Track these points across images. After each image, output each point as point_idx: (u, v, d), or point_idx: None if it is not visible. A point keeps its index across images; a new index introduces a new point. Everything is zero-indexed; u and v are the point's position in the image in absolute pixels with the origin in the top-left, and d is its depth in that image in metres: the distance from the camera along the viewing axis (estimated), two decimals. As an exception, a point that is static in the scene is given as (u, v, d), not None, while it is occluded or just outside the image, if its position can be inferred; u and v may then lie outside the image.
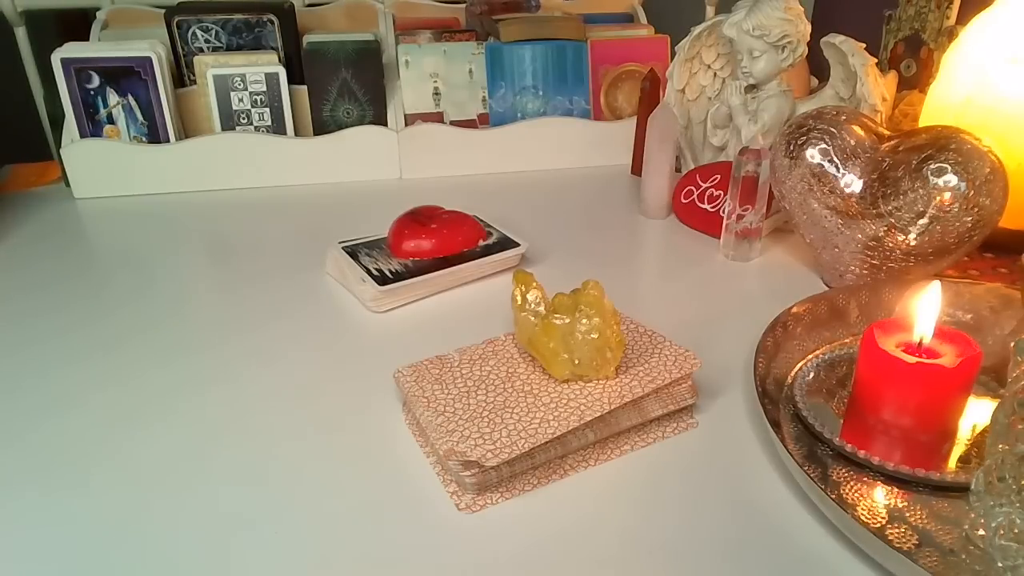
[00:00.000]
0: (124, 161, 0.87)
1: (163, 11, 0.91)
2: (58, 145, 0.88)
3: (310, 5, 1.05)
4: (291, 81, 0.91)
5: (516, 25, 0.96)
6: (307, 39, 0.94)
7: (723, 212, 0.73)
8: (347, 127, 0.93)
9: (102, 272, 0.71)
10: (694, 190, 0.80)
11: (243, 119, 0.90)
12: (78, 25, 0.99)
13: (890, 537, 0.39)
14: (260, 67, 0.89)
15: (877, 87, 0.73)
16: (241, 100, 0.90)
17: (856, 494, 0.42)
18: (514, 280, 0.51)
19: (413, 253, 0.67)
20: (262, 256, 0.74)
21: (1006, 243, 0.68)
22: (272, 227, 0.81)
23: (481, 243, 0.70)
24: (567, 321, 0.47)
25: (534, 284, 0.50)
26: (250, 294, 0.66)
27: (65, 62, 0.84)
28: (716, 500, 0.43)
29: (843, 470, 0.44)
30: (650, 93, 0.89)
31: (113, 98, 0.86)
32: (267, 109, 0.91)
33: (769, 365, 0.52)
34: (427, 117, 0.96)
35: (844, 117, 0.65)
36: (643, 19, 1.10)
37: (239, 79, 0.89)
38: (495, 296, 0.65)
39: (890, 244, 0.61)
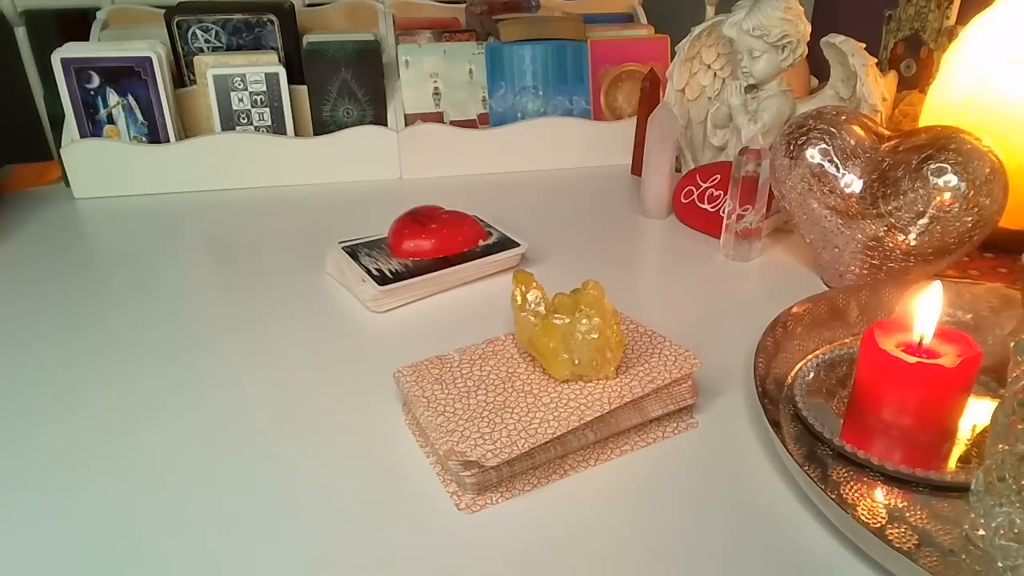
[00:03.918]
0: (124, 161, 0.87)
1: (163, 11, 0.91)
2: (58, 145, 0.88)
3: (310, 5, 1.05)
4: (291, 81, 0.91)
5: (516, 25, 0.96)
6: (307, 39, 0.94)
7: (723, 212, 0.73)
8: (347, 127, 0.93)
9: (102, 272, 0.71)
10: (694, 190, 0.80)
11: (243, 119, 0.90)
12: (78, 25, 0.99)
13: (890, 537, 0.39)
14: (260, 67, 0.89)
15: (877, 87, 0.73)
16: (241, 100, 0.90)
17: (856, 494, 0.42)
18: (514, 280, 0.51)
19: (413, 253, 0.67)
20: (262, 256, 0.74)
21: (1006, 243, 0.68)
22: (272, 227, 0.81)
23: (481, 243, 0.70)
24: (567, 321, 0.47)
25: (534, 284, 0.50)
26: (250, 294, 0.66)
27: (65, 62, 0.84)
28: (716, 500, 0.43)
29: (843, 470, 0.44)
30: (650, 93, 0.89)
31: (113, 98, 0.86)
32: (267, 109, 0.91)
33: (769, 365, 0.52)
34: (427, 117, 0.96)
35: (844, 117, 0.65)
36: (643, 19, 1.10)
37: (239, 79, 0.89)
38: (495, 296, 0.65)
39: (890, 244, 0.61)
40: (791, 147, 0.65)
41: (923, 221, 0.60)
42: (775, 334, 0.53)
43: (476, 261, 0.67)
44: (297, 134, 0.93)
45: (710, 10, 1.17)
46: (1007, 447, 0.35)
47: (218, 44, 0.92)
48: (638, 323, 0.54)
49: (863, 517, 0.41)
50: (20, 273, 0.71)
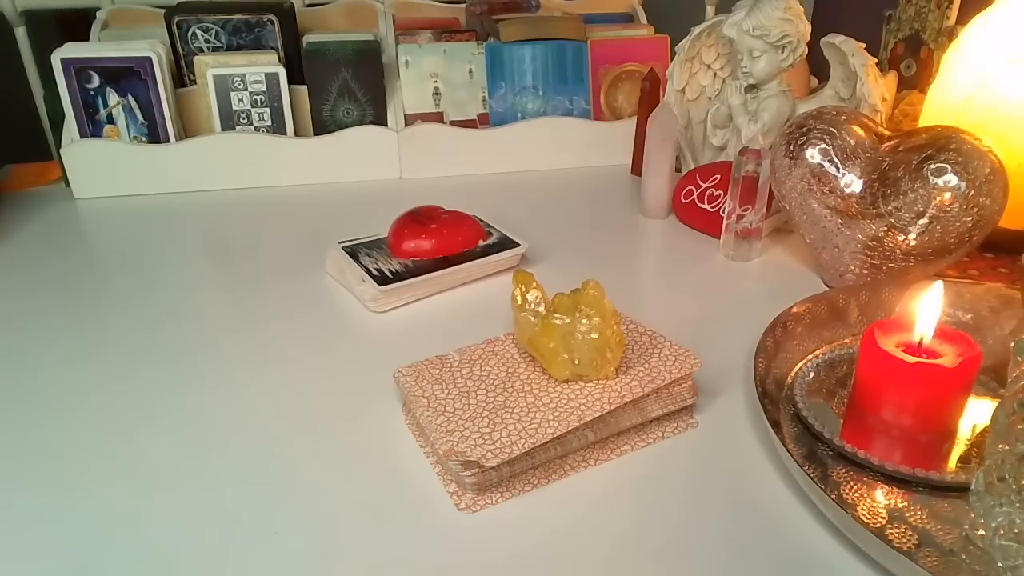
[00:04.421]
0: (124, 161, 0.87)
1: (163, 11, 0.91)
2: (58, 145, 0.88)
3: (310, 5, 1.05)
4: (291, 81, 0.91)
5: (516, 25, 0.96)
6: (307, 39, 0.94)
7: (723, 212, 0.73)
8: (347, 127, 0.93)
9: (102, 272, 0.71)
10: (694, 190, 0.80)
11: (243, 119, 0.90)
12: (78, 25, 0.99)
13: (890, 537, 0.39)
14: (260, 67, 0.89)
15: (877, 87, 0.73)
16: (241, 100, 0.90)
17: (856, 494, 0.42)
18: (514, 280, 0.51)
19: (413, 253, 0.67)
20: (262, 256, 0.74)
21: (1006, 243, 0.68)
22: (272, 227, 0.81)
23: (481, 243, 0.70)
24: (567, 321, 0.47)
25: (534, 284, 0.50)
26: (250, 294, 0.66)
27: (65, 62, 0.84)
28: (716, 500, 0.43)
29: (843, 470, 0.44)
30: (650, 93, 0.89)
31: (113, 98, 0.86)
32: (267, 109, 0.91)
33: (769, 365, 0.52)
34: (427, 117, 0.96)
35: (844, 117, 0.65)
36: (643, 19, 1.10)
37: (239, 79, 0.89)
38: (495, 296, 0.65)
39: (890, 244, 0.61)
40: (791, 147, 0.65)
41: (923, 221, 0.60)
42: (775, 334, 0.53)
43: (476, 261, 0.67)
44: (297, 134, 0.93)
45: (710, 10, 1.17)
46: (1007, 447, 0.35)
47: (218, 44, 0.92)
48: (638, 323, 0.54)
49: (863, 517, 0.41)
50: (20, 273, 0.71)
